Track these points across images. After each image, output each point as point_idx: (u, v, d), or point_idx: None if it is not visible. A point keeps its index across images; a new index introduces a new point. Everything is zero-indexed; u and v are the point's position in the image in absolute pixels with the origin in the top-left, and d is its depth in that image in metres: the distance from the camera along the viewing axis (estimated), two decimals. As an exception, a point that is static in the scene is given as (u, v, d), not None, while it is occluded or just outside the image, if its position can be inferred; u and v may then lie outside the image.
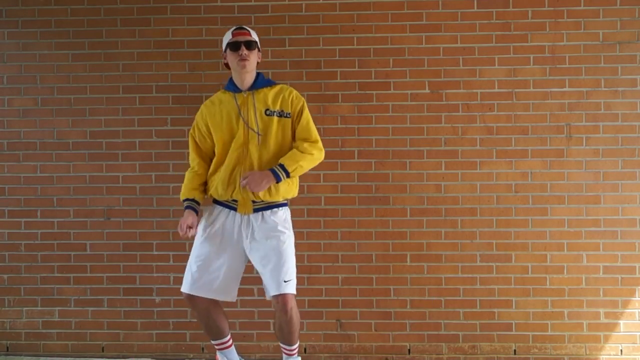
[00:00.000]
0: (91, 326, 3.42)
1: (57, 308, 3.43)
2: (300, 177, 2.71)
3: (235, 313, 3.30)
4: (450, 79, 3.33)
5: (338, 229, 3.34)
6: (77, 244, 3.42)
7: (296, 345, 2.76)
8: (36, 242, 3.43)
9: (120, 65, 3.40)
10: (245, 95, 2.66)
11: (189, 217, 2.64)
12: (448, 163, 3.34)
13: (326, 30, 3.36)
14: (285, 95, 2.67)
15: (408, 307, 3.35)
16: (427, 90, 3.34)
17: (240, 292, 2.76)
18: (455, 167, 3.33)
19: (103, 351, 3.43)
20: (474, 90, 3.33)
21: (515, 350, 3.33)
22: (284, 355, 2.78)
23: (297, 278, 2.68)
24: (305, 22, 3.35)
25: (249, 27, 2.72)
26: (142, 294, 3.41)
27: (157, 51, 3.39)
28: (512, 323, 3.33)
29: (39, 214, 3.43)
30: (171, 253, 3.39)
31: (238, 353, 2.87)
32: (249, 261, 2.71)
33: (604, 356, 3.31)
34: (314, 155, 2.66)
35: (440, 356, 3.35)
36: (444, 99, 3.34)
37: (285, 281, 2.60)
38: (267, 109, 2.65)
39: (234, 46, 2.62)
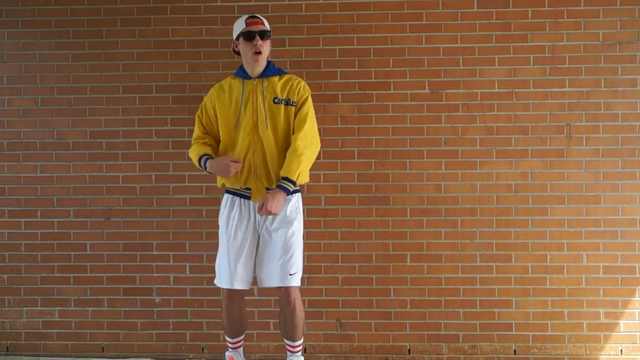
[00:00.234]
0: (91, 326, 3.42)
1: (57, 308, 3.43)
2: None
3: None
4: (450, 79, 3.33)
5: (338, 229, 3.34)
6: (77, 244, 3.42)
7: (300, 342, 2.80)
8: (36, 242, 3.43)
9: (120, 65, 3.40)
10: (254, 82, 2.70)
11: (223, 159, 2.61)
12: (448, 163, 3.33)
13: (326, 30, 3.36)
14: (293, 84, 2.71)
15: (408, 307, 3.35)
16: (427, 90, 3.34)
17: (240, 292, 2.76)
18: (455, 167, 3.33)
19: (103, 351, 3.43)
20: (474, 90, 3.33)
21: (515, 351, 3.33)
22: (288, 353, 2.80)
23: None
24: (305, 22, 3.35)
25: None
26: (142, 294, 3.41)
27: (157, 51, 3.39)
28: (512, 323, 3.33)
29: (39, 214, 3.43)
30: (171, 253, 3.39)
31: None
32: None
33: (604, 356, 3.31)
34: (311, 151, 2.67)
35: (440, 356, 3.35)
36: (444, 99, 3.34)
37: (290, 274, 2.65)
38: (275, 97, 2.68)
39: (247, 36, 2.64)
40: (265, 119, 2.65)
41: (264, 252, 2.69)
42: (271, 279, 2.67)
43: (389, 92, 3.35)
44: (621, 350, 3.31)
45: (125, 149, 3.40)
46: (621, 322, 3.31)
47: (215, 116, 2.73)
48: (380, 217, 3.35)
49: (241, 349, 2.88)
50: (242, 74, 2.73)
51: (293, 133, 2.68)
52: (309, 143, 2.66)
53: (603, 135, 3.31)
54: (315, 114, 2.77)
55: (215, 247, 3.33)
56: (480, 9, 3.33)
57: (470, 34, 3.33)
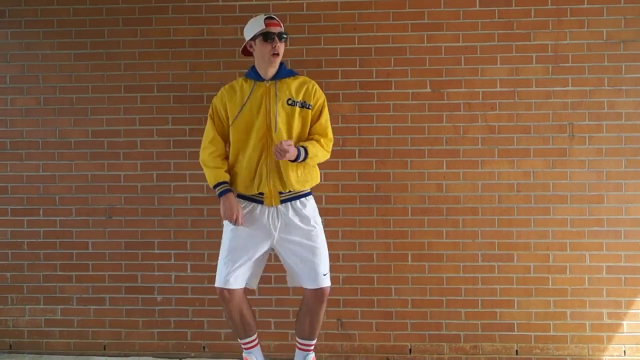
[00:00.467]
0: (93, 324, 3.44)
1: (59, 306, 3.45)
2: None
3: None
4: (452, 78, 3.32)
5: (339, 228, 3.33)
6: (79, 243, 3.43)
7: (315, 340, 2.84)
8: (38, 240, 3.45)
9: (122, 65, 3.41)
10: (267, 84, 2.68)
11: (235, 205, 2.64)
12: (449, 162, 3.32)
13: (327, 30, 3.35)
14: (309, 87, 2.71)
15: (409, 306, 3.34)
16: (428, 89, 3.33)
17: (240, 291, 2.76)
18: (456, 167, 3.32)
19: (105, 349, 3.44)
20: (476, 89, 3.31)
21: (517, 351, 3.31)
22: (302, 352, 2.82)
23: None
24: (306, 22, 3.34)
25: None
26: (144, 293, 3.42)
27: (159, 51, 3.40)
28: (514, 323, 3.31)
29: (41, 212, 3.45)
30: (172, 252, 3.40)
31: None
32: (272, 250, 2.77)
33: (606, 357, 3.29)
34: (327, 153, 2.75)
35: (442, 356, 3.34)
36: (445, 98, 3.32)
37: (323, 274, 2.69)
38: (290, 99, 2.67)
39: (266, 37, 2.63)
40: (278, 121, 2.63)
41: (293, 258, 2.69)
42: (307, 283, 2.69)
43: (390, 91, 3.34)
44: (624, 351, 3.29)
45: (127, 148, 3.42)
46: (624, 322, 3.28)
47: (226, 117, 2.71)
48: (381, 216, 3.34)
49: (257, 349, 2.84)
50: (255, 75, 2.70)
51: (308, 135, 2.71)
52: (328, 149, 2.74)
53: (606, 135, 3.28)
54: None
55: (216, 245, 3.35)
56: (482, 7, 3.31)
57: (472, 32, 3.31)
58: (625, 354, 3.29)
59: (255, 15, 2.73)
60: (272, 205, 2.66)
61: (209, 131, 2.74)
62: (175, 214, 3.39)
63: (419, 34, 3.33)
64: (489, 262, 3.31)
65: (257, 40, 2.66)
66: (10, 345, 3.48)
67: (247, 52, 2.78)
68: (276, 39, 2.64)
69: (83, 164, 3.43)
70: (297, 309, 3.17)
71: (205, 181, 3.32)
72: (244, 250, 2.67)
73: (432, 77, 3.32)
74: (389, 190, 3.34)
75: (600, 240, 3.28)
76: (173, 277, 3.40)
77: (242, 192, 2.71)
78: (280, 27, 2.68)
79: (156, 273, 3.41)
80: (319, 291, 2.70)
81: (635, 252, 3.27)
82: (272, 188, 2.64)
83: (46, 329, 3.46)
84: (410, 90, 3.33)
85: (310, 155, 2.63)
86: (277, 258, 2.91)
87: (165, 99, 3.40)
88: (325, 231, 2.76)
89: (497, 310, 3.31)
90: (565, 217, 3.29)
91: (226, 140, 2.76)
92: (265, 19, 2.65)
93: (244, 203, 2.71)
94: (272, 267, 3.17)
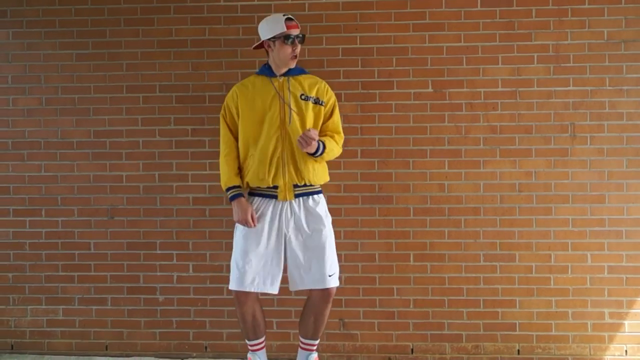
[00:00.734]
0: (95, 325, 3.44)
1: (61, 306, 3.45)
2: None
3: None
4: (454, 78, 3.32)
5: (341, 228, 3.33)
6: (81, 243, 3.43)
7: (318, 340, 2.85)
8: (40, 240, 3.45)
9: (124, 65, 3.41)
10: (281, 79, 2.73)
11: (247, 208, 2.66)
12: (451, 162, 3.32)
13: (329, 30, 3.35)
14: (321, 86, 2.79)
15: (411, 306, 3.34)
16: (430, 90, 3.33)
17: (243, 291, 2.76)
18: (458, 167, 3.32)
19: (107, 349, 3.44)
20: (478, 89, 3.32)
21: (518, 350, 3.32)
22: (304, 352, 2.83)
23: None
24: (308, 22, 3.34)
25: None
26: (146, 293, 3.42)
27: (161, 51, 3.40)
28: (515, 323, 3.32)
29: (43, 213, 3.45)
30: (174, 252, 3.40)
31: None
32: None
33: (608, 356, 3.29)
34: (340, 149, 2.83)
35: (444, 356, 3.34)
36: (447, 98, 3.33)
37: (329, 275, 2.69)
38: (303, 94, 2.72)
39: (288, 39, 2.66)
40: (292, 115, 2.67)
41: (302, 256, 2.69)
42: (315, 283, 2.69)
43: (392, 91, 3.34)
44: (626, 351, 3.29)
45: (129, 148, 3.41)
46: (626, 322, 3.29)
47: (238, 114, 2.74)
48: (383, 216, 3.34)
49: (262, 352, 2.85)
50: (269, 72, 2.75)
51: (321, 133, 2.76)
52: (340, 146, 2.83)
53: (608, 134, 3.29)
54: (318, 113, 2.80)
55: (218, 246, 3.37)
56: (483, 7, 3.32)
57: (473, 32, 3.32)
58: (626, 354, 3.30)
59: (273, 14, 2.78)
60: (285, 200, 2.67)
61: (222, 132, 2.78)
62: (178, 214, 3.39)
63: (421, 34, 3.33)
64: (490, 262, 3.32)
65: (276, 41, 2.69)
66: (12, 346, 3.47)
67: (258, 47, 2.81)
68: (296, 41, 2.68)
69: (85, 164, 3.43)
70: (299, 308, 3.17)
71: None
72: (257, 251, 2.68)
73: (434, 77, 3.33)
74: (391, 191, 3.34)
75: (601, 240, 3.29)
76: (175, 277, 3.40)
77: (255, 185, 2.71)
78: (299, 28, 2.73)
79: (158, 273, 3.41)
80: (325, 291, 2.71)
81: (637, 252, 3.28)
82: (288, 181, 2.67)
83: (48, 329, 3.46)
84: (412, 90, 3.34)
85: (327, 149, 2.69)
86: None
87: (167, 99, 3.40)
88: (329, 231, 2.78)
89: (499, 310, 3.32)
90: (567, 217, 3.30)
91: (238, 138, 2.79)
92: (287, 20, 2.68)
93: (256, 201, 2.72)
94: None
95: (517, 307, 3.31)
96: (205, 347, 3.41)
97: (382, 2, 3.34)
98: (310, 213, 2.70)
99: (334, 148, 2.76)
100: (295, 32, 2.69)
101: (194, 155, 3.38)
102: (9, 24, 3.45)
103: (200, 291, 3.39)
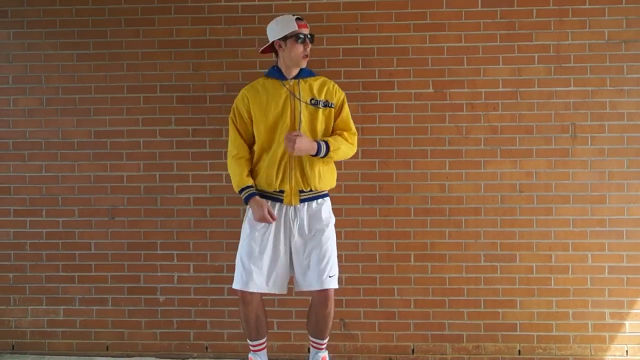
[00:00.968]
0: (96, 325, 3.44)
1: (62, 307, 3.45)
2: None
3: (239, 313, 3.29)
4: (454, 78, 3.32)
5: (342, 228, 3.33)
6: (82, 243, 3.43)
7: (327, 340, 2.85)
8: (41, 241, 3.45)
9: (125, 65, 3.41)
10: (291, 82, 2.72)
11: (263, 204, 2.65)
12: (452, 162, 3.33)
13: (330, 30, 3.35)
14: (329, 87, 2.77)
15: (412, 306, 3.34)
16: (431, 90, 3.33)
17: (243, 291, 2.76)
18: (459, 167, 3.32)
19: (107, 350, 3.44)
20: (478, 90, 3.32)
21: (519, 351, 3.32)
22: (313, 350, 2.84)
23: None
24: (308, 22, 3.27)
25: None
26: (146, 293, 3.42)
27: (161, 51, 3.40)
28: (516, 323, 3.32)
29: (44, 213, 3.45)
30: (175, 252, 3.40)
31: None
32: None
33: (609, 357, 3.29)
34: (352, 146, 2.79)
35: (444, 356, 3.34)
36: (448, 99, 3.33)
37: (330, 276, 2.69)
38: (313, 98, 2.71)
39: (299, 38, 2.66)
40: (302, 119, 2.67)
41: (303, 257, 2.70)
42: (312, 284, 2.69)
43: (393, 91, 3.34)
44: (627, 351, 3.29)
45: (130, 148, 3.41)
46: (626, 322, 3.29)
47: (249, 117, 2.73)
48: (384, 216, 3.34)
49: (264, 352, 2.85)
50: (278, 74, 2.74)
51: (332, 132, 2.76)
52: (352, 142, 2.79)
53: (608, 135, 3.29)
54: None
55: (219, 246, 3.37)
56: (484, 7, 3.32)
57: (474, 33, 3.32)
58: (627, 354, 3.30)
59: (282, 15, 2.77)
60: (290, 204, 2.68)
61: (231, 134, 2.77)
62: (178, 214, 3.39)
63: (422, 34, 3.33)
64: (491, 263, 3.32)
65: (287, 41, 2.68)
66: (13, 346, 3.47)
67: (265, 51, 2.80)
68: (307, 40, 2.68)
69: (86, 164, 3.43)
70: (300, 309, 3.20)
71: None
72: (263, 251, 2.68)
73: (434, 77, 3.33)
74: (391, 191, 3.34)
75: (602, 241, 3.29)
76: (176, 277, 3.40)
77: (263, 189, 2.72)
78: (308, 28, 2.74)
79: (159, 273, 3.41)
80: (322, 292, 2.70)
81: (637, 253, 3.28)
82: (294, 186, 2.67)
83: (49, 329, 3.46)
84: (413, 91, 3.34)
85: (332, 148, 2.66)
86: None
87: (168, 100, 3.40)
88: (330, 231, 2.77)
89: (500, 310, 3.32)
90: (568, 217, 3.30)
91: (250, 140, 2.77)
92: (297, 20, 2.69)
93: None
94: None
95: (518, 307, 3.31)
96: (206, 348, 3.41)
97: (382, 3, 3.34)
98: (313, 215, 2.71)
99: (341, 146, 2.72)
100: (305, 31, 2.70)
101: (194, 155, 3.38)
102: (10, 24, 3.45)
103: (200, 291, 3.39)
